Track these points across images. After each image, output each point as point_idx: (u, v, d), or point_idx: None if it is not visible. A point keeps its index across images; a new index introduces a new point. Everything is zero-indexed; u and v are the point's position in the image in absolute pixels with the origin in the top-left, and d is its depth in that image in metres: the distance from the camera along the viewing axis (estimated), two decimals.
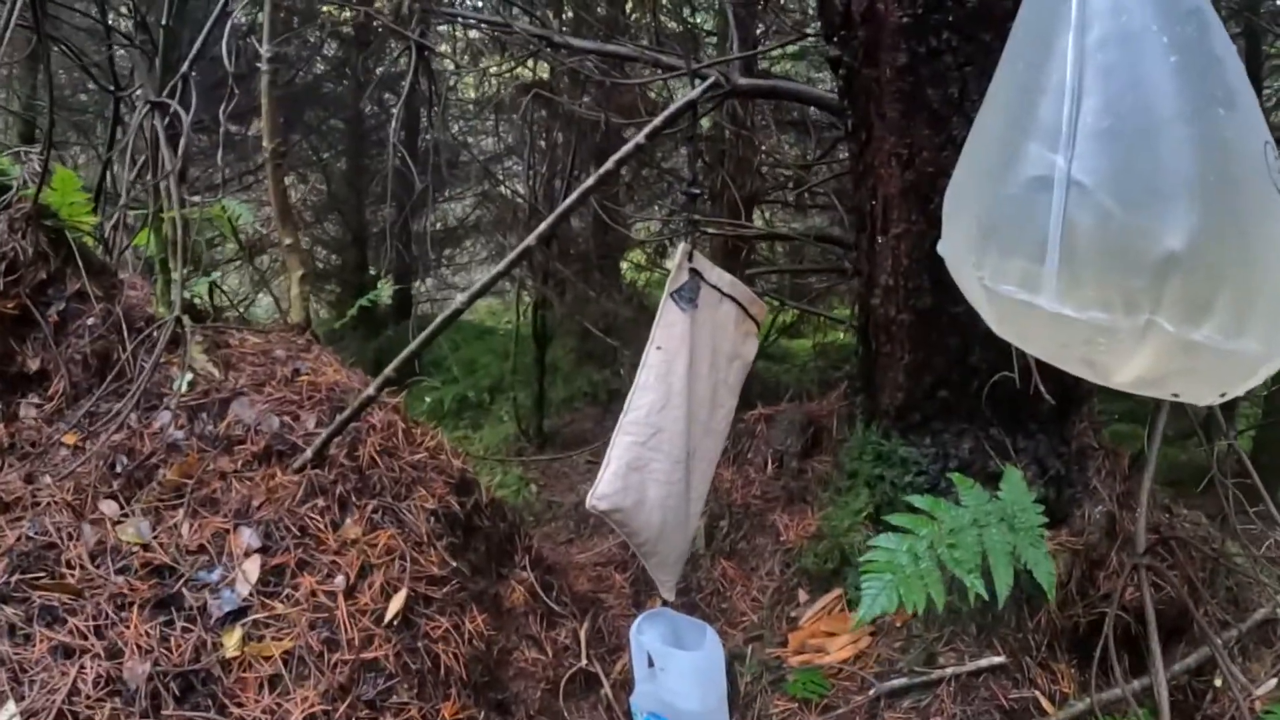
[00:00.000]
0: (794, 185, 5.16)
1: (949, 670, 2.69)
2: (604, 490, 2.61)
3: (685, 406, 2.67)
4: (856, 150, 2.82)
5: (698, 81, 2.65)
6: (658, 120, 2.57)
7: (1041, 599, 2.74)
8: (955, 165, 2.64)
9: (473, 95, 5.97)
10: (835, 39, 2.79)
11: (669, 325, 2.69)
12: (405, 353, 2.67)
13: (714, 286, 2.77)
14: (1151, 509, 2.95)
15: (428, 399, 6.17)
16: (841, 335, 6.26)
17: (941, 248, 1.83)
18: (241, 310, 3.58)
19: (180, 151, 3.11)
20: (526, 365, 5.50)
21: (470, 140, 6.40)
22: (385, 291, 4.54)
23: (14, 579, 2.55)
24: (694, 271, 2.72)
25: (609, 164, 2.49)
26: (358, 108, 6.03)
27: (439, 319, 2.68)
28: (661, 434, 2.66)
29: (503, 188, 6.05)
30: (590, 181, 2.52)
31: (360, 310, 5.51)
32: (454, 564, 2.81)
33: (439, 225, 7.67)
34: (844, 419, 3.46)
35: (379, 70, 6.03)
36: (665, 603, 2.97)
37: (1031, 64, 1.59)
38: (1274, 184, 1.55)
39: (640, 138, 2.57)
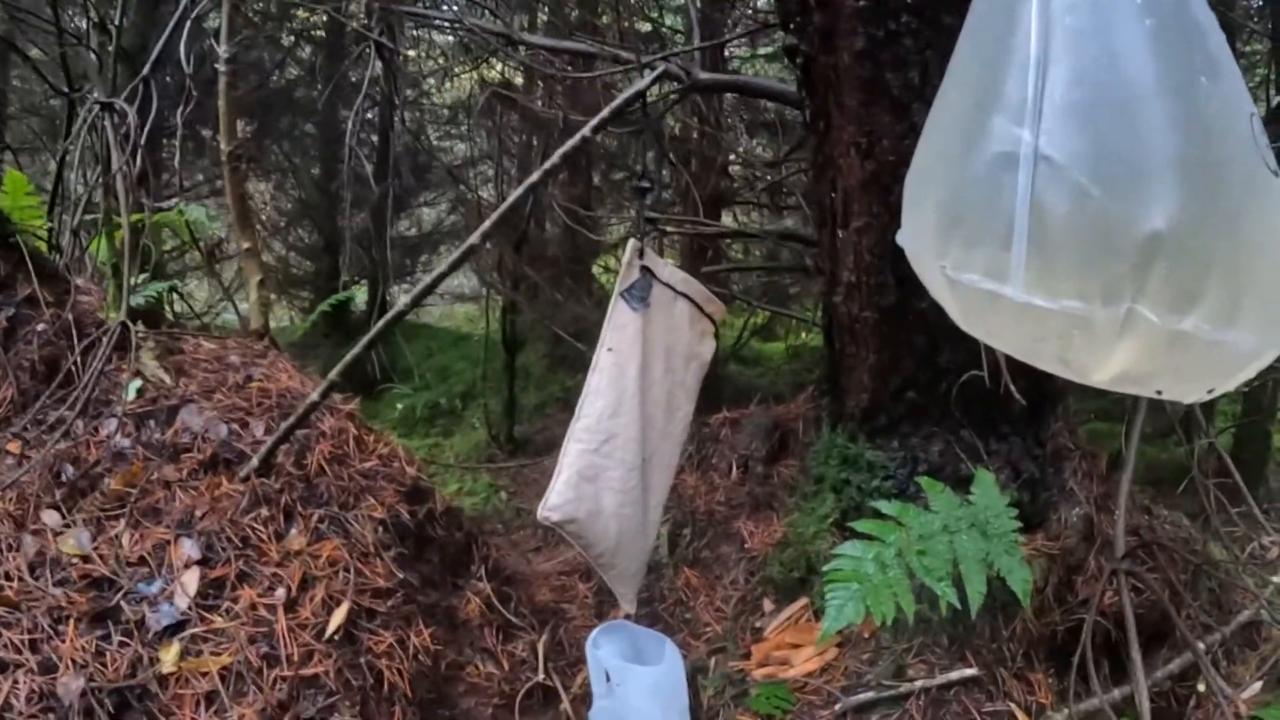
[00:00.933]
0: (765, 182, 4.90)
1: (919, 683, 2.45)
2: (555, 501, 2.37)
3: (639, 410, 2.43)
4: (816, 142, 2.59)
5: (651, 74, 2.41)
6: (605, 112, 2.34)
7: (1016, 607, 2.50)
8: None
9: (445, 100, 5.70)
10: (792, 26, 2.56)
11: (620, 326, 2.45)
12: (348, 357, 2.44)
13: (666, 284, 2.53)
14: (1130, 511, 2.71)
15: (399, 406, 5.89)
16: (805, 335, 5.92)
17: (901, 237, 1.59)
18: (205, 318, 3.35)
19: (129, 153, 2.88)
20: (497, 371, 5.24)
21: (445, 145, 6.12)
22: (356, 296, 4.33)
23: None
24: (645, 269, 2.48)
25: (554, 158, 2.25)
26: (331, 112, 5.73)
27: (381, 322, 2.45)
28: (615, 440, 2.41)
29: (474, 193, 5.78)
30: (535, 176, 2.29)
31: (332, 316, 5.29)
32: (401, 575, 2.58)
33: (414, 230, 7.41)
34: (811, 422, 3.22)
35: (352, 76, 5.74)
36: (627, 615, 2.72)
37: (994, 35, 1.37)
38: (1262, 159, 1.32)
39: (586, 130, 2.35)
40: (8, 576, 2.39)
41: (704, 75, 2.90)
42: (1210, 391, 1.33)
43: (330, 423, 2.80)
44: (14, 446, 2.68)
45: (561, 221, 5.07)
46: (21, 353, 2.82)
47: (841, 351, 2.70)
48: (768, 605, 2.80)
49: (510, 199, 2.35)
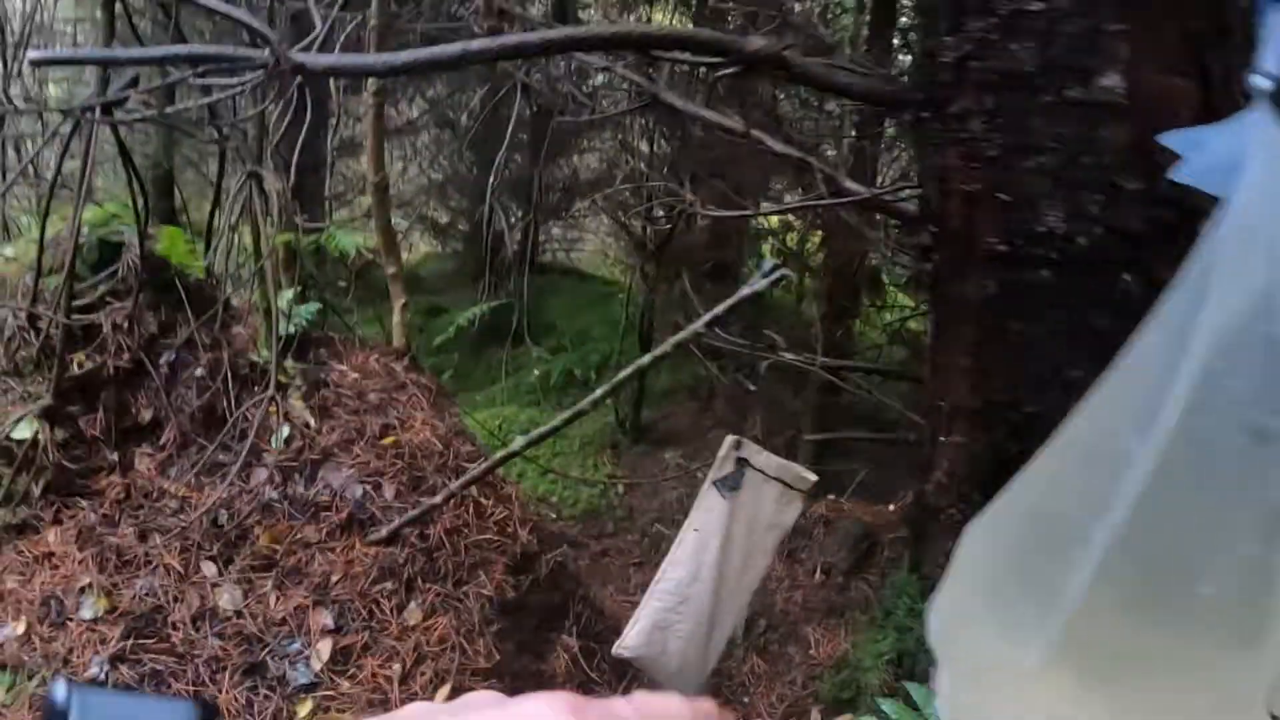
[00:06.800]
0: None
1: None
2: (631, 643, 2.79)
3: (714, 580, 2.78)
4: (933, 338, 2.64)
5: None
6: (720, 309, 2.46)
7: None
8: (1029, 402, 2.47)
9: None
10: (928, 228, 2.53)
11: (707, 510, 2.72)
12: (474, 473, 2.75)
13: (759, 470, 2.71)
14: None
15: (535, 371, 6.14)
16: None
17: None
18: (350, 330, 3.68)
19: (278, 208, 3.12)
20: (633, 345, 5.38)
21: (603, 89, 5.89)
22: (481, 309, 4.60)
23: (129, 642, 2.87)
24: (741, 460, 2.66)
25: (667, 345, 2.43)
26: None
27: (484, 467, 2.74)
28: (688, 603, 2.78)
29: (632, 148, 5.64)
30: (624, 374, 2.47)
31: (477, 259, 5.57)
32: (499, 656, 3.03)
33: (566, 175, 7.27)
34: (898, 541, 3.40)
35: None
36: None
37: None
38: None
39: (699, 325, 2.46)
40: (174, 627, 2.92)
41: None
42: None
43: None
44: (176, 489, 3.16)
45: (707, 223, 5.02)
46: (182, 397, 3.26)
47: (924, 529, 2.85)
48: (815, 715, 3.15)
49: (643, 361, 2.56)
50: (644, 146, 5.28)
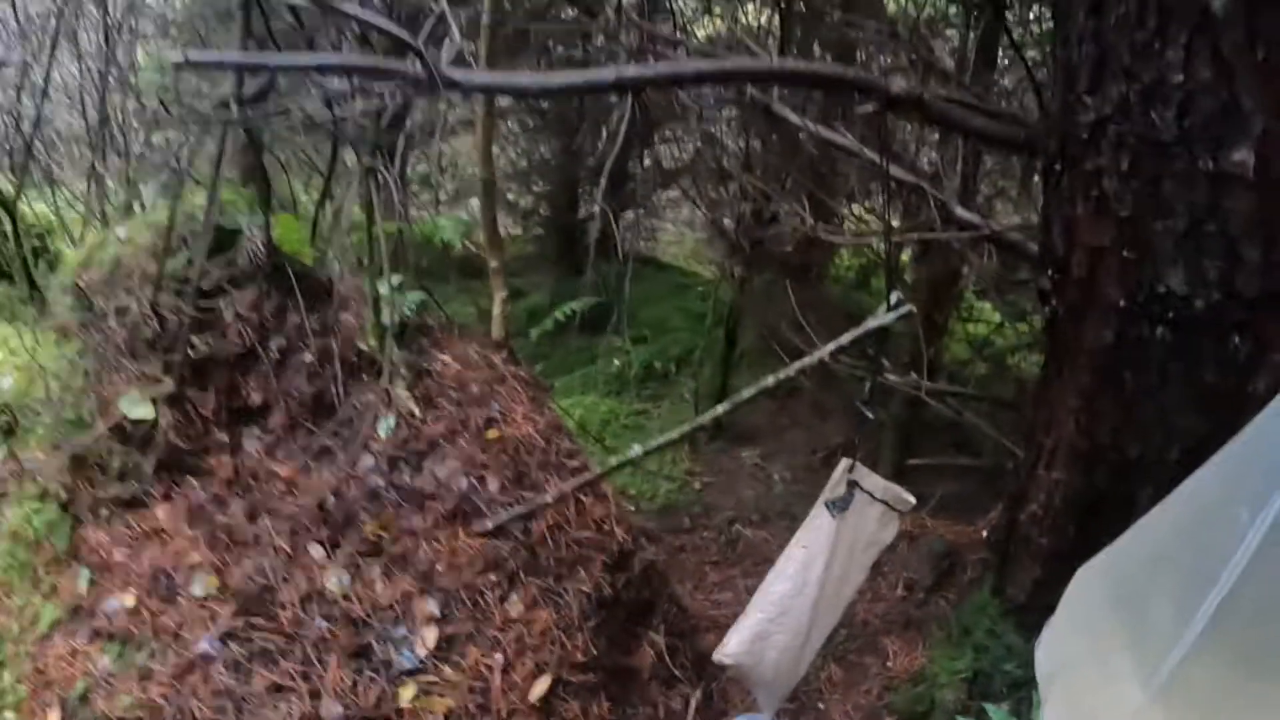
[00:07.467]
0: None
1: None
2: (731, 650, 2.99)
3: (816, 595, 2.95)
4: (1045, 373, 2.82)
5: None
6: (845, 338, 2.61)
7: None
8: (1133, 446, 2.61)
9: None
10: (1048, 274, 2.68)
11: (816, 529, 2.91)
12: (589, 476, 2.92)
13: (867, 493, 2.88)
14: None
15: (616, 362, 6.28)
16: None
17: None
18: (450, 319, 3.82)
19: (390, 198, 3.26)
20: (714, 339, 5.52)
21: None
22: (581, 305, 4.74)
23: (240, 620, 3.05)
24: (852, 483, 2.83)
25: (791, 369, 2.58)
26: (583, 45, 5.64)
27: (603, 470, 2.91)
28: (788, 615, 2.98)
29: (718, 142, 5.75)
30: (747, 393, 2.63)
31: (562, 243, 5.69)
32: (595, 652, 3.20)
33: (650, 166, 7.38)
34: (980, 562, 3.57)
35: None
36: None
37: None
38: None
39: (824, 353, 2.61)
40: (282, 606, 3.10)
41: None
42: None
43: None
44: (284, 471, 3.33)
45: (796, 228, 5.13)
46: (291, 381, 3.42)
47: (1013, 553, 3.03)
48: None
49: (738, 399, 2.69)
50: (729, 142, 5.40)
